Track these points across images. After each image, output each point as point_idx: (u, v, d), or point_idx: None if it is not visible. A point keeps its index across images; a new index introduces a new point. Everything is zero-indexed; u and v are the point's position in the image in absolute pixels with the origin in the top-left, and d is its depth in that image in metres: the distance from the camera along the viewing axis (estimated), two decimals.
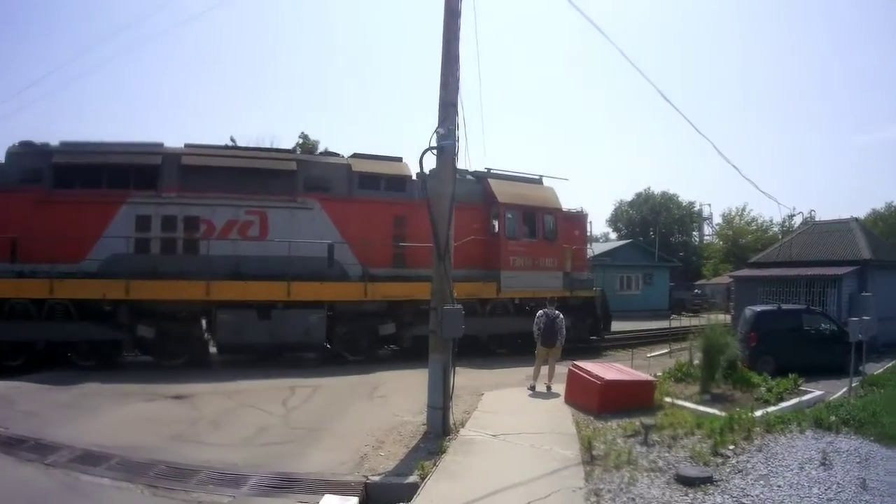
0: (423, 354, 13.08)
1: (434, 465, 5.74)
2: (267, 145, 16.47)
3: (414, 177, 13.83)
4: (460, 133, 7.06)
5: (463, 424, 7.30)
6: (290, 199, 12.67)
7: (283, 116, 78.26)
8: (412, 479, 5.49)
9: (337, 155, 13.78)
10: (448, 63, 7.02)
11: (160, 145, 12.26)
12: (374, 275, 13.08)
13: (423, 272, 13.39)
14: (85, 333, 11.21)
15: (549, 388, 9.74)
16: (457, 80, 6.98)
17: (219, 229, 12.18)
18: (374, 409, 8.63)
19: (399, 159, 14.21)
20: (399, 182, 13.67)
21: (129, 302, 11.35)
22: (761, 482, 5.30)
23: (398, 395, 9.44)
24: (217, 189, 12.15)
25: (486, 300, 14.16)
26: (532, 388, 9.76)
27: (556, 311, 10.21)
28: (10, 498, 5.23)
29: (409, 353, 13.52)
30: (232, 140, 26.16)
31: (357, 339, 13.04)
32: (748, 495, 4.99)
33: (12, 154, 11.53)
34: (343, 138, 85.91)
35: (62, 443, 6.60)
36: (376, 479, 5.55)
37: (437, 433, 6.78)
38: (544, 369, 10.03)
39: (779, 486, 5.20)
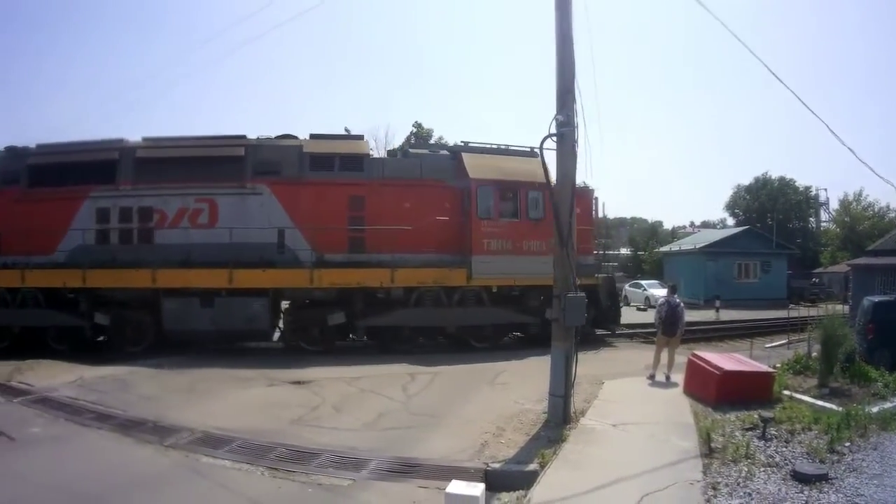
0: (384, 348, 12.29)
1: (554, 453, 5.74)
2: (381, 135, 16.65)
3: (373, 155, 12.82)
4: (579, 119, 7.03)
5: (583, 413, 7.26)
6: (239, 185, 12.40)
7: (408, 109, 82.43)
8: (532, 467, 5.51)
9: (293, 137, 13.20)
10: (563, 49, 7.01)
11: (120, 141, 12.80)
12: (328, 261, 12.30)
13: (383, 257, 12.37)
14: (51, 319, 12.02)
15: (668, 377, 9.44)
16: (572, 66, 6.99)
17: (170, 218, 12.33)
18: (494, 397, 8.50)
19: (360, 137, 13.28)
20: (355, 161, 12.68)
21: (88, 290, 11.97)
22: (875, 481, 5.18)
23: (519, 382, 9.21)
24: (169, 179, 12.28)
25: (456, 288, 12.54)
26: (651, 377, 9.56)
27: (678, 300, 9.93)
28: (129, 477, 5.40)
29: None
30: (346, 131, 27.19)
31: (308, 329, 12.36)
32: (861, 495, 4.90)
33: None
34: (458, 128, 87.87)
35: (181, 425, 6.75)
36: (496, 466, 5.57)
37: (558, 421, 6.82)
38: (664, 358, 9.71)
39: (892, 487, 5.06)
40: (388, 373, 9.84)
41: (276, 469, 5.52)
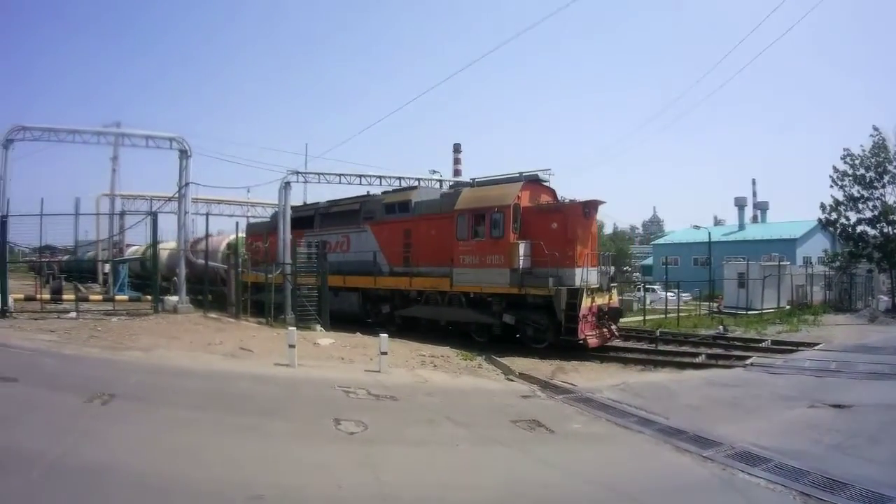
0: (411, 331, 18.48)
1: None
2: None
3: (414, 200, 19.22)
4: None
5: None
6: (357, 226, 21.07)
7: None
8: None
9: (392, 192, 20.91)
10: None
11: (316, 204, 23.52)
12: (396, 271, 19.52)
13: (420, 269, 18.83)
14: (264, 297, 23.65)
15: None
16: None
17: (333, 246, 22.09)
18: None
19: (413, 188, 19.87)
20: (405, 205, 19.42)
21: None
22: None
23: None
24: (333, 224, 22.14)
25: (445, 292, 17.65)
26: None
27: None
28: (665, 482, 5.86)
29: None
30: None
31: (378, 315, 19.89)
32: None
33: (272, 215, 25.57)
34: None
35: (721, 438, 6.95)
36: None
37: None
38: None
39: None
40: None
41: (807, 495, 5.48)
